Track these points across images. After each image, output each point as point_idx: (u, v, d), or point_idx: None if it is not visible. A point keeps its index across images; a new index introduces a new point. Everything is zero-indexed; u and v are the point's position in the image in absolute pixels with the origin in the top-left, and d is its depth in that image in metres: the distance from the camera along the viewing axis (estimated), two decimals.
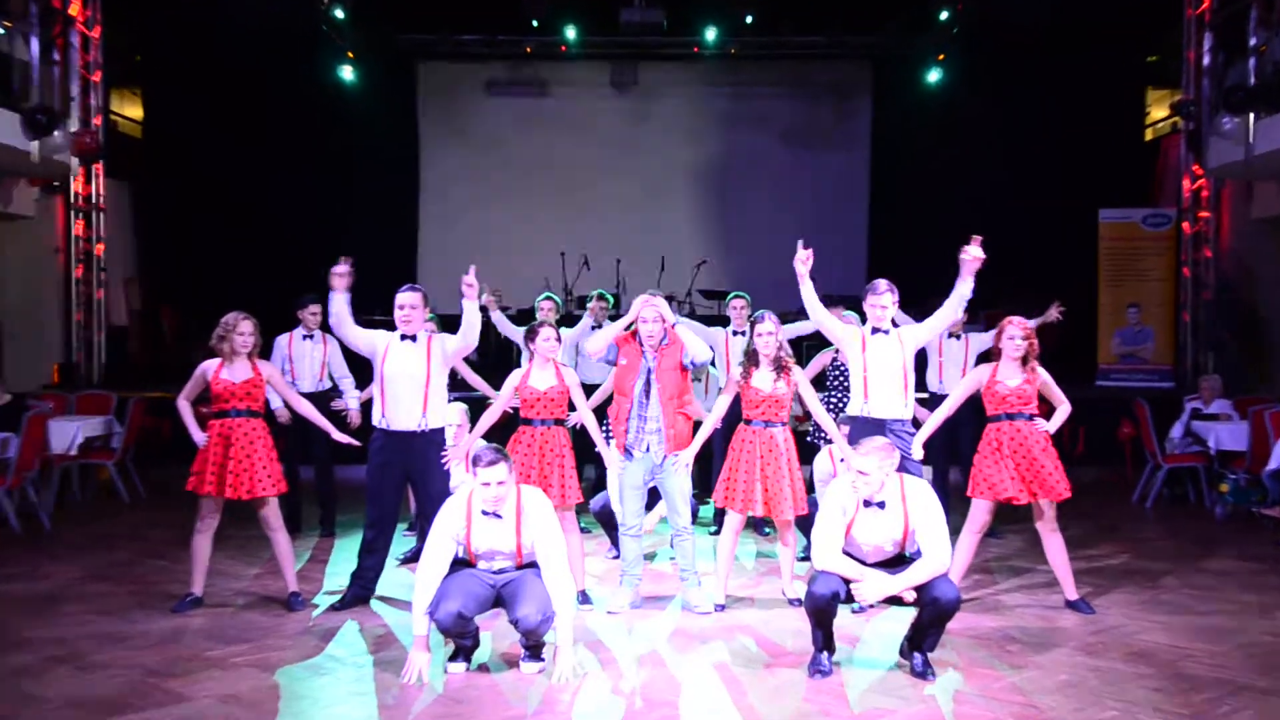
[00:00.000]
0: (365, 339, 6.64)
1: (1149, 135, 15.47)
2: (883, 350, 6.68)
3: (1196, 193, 13.63)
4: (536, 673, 5.34)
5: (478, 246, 16.02)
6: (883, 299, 6.73)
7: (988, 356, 7.19)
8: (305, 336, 8.78)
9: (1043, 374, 6.54)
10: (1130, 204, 14.25)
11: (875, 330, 6.75)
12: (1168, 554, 8.21)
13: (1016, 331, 6.50)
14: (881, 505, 5.27)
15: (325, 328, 8.77)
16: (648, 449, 6.39)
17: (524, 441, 6.57)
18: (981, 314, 14.48)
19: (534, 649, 5.41)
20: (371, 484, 6.62)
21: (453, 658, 5.42)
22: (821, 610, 5.23)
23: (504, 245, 15.96)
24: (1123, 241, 14.00)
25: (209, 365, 6.67)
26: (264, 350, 8.71)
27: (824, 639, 5.34)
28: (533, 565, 5.37)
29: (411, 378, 6.50)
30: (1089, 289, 14.06)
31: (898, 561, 5.38)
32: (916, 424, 6.83)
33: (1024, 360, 6.49)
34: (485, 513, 5.27)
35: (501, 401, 6.74)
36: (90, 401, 11.17)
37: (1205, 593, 7.04)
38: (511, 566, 5.38)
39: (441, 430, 6.61)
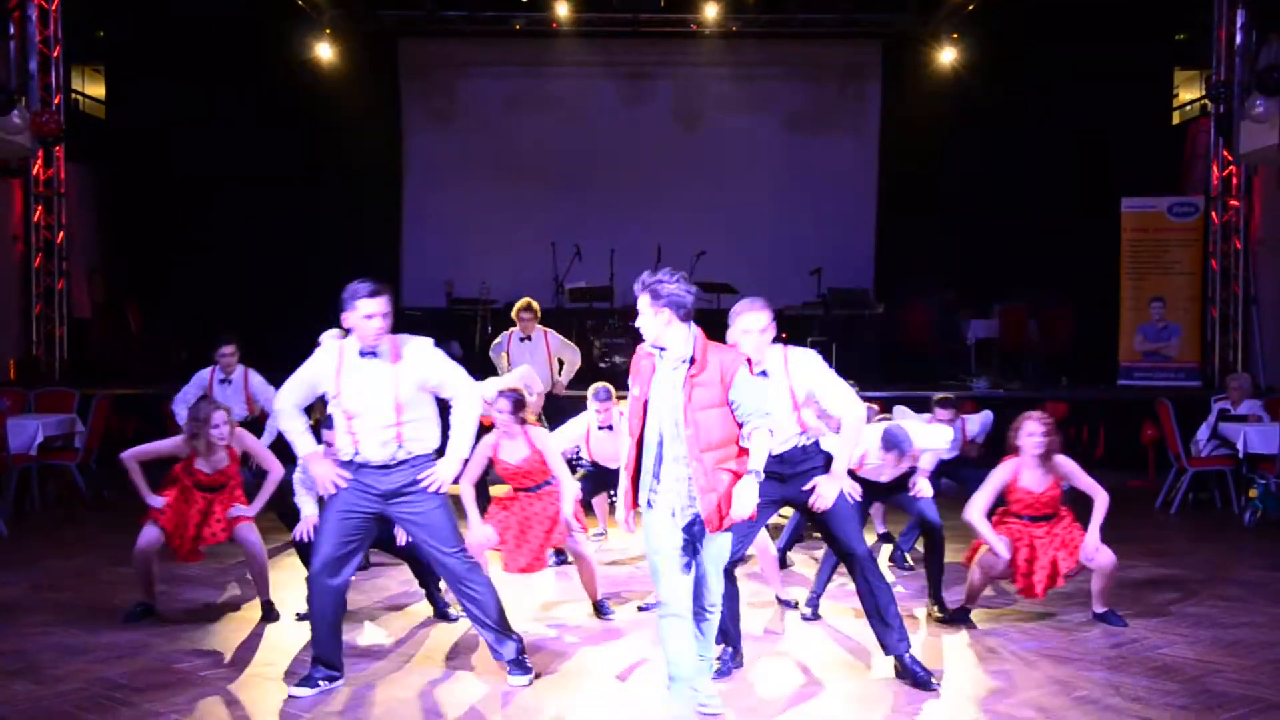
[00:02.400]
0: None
1: (1176, 119, 15.49)
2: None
3: (1226, 180, 13.64)
4: (525, 685, 5.37)
5: (464, 235, 16.09)
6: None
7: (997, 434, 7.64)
8: (222, 381, 8.84)
9: (1066, 466, 6.36)
10: (1155, 192, 14.24)
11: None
12: (1193, 563, 8.22)
13: (1037, 428, 6.29)
14: (764, 374, 5.23)
15: (244, 361, 8.99)
16: (673, 514, 4.83)
17: (509, 502, 6.59)
18: (995, 309, 14.54)
19: (519, 663, 5.43)
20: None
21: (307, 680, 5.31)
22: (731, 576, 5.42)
23: (491, 234, 15.96)
24: (1147, 232, 14.01)
25: (178, 452, 6.60)
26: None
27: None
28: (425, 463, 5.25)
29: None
30: (1110, 282, 14.08)
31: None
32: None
33: (1046, 458, 6.32)
34: (363, 353, 5.13)
35: (468, 479, 6.39)
36: (51, 399, 11.16)
37: (1233, 604, 7.04)
38: (394, 432, 5.16)
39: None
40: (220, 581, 7.47)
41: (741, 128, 16.59)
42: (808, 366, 5.33)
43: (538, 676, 5.47)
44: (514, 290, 15.20)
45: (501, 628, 5.41)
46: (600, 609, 6.70)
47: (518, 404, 6.49)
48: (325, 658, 5.30)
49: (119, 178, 15.44)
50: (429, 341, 5.30)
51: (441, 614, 6.57)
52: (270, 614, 6.56)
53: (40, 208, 13.61)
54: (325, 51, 14.95)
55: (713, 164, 16.38)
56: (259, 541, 6.62)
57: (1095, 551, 6.32)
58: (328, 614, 5.26)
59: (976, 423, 8.90)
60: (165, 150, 15.23)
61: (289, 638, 6.21)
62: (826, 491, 5.26)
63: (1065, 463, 6.38)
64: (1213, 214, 13.76)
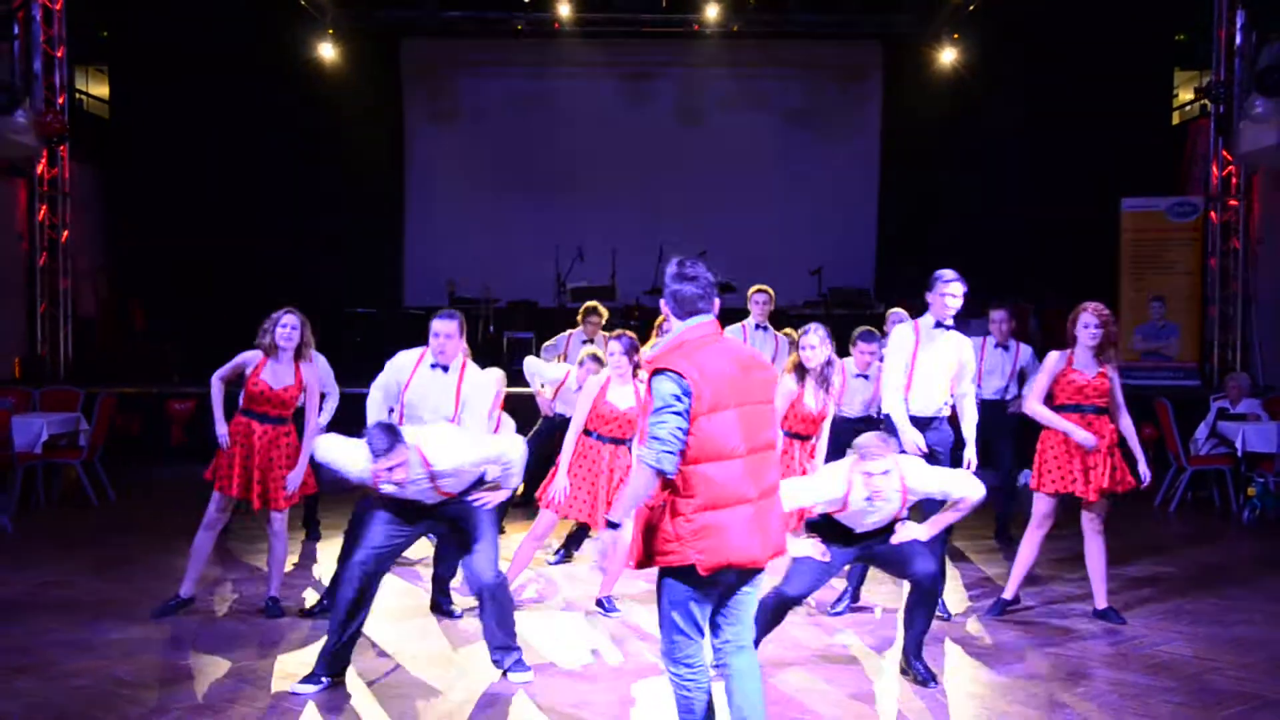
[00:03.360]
0: (389, 384, 6.25)
1: (1176, 119, 15.49)
2: (942, 346, 6.51)
3: (1225, 180, 13.62)
4: (528, 681, 5.41)
5: (466, 234, 16.10)
6: (952, 288, 6.44)
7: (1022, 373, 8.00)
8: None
9: (1114, 372, 6.43)
10: (1155, 192, 14.24)
11: (938, 324, 6.49)
12: (1192, 561, 8.25)
13: (1092, 319, 6.40)
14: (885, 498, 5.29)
15: None
16: None
17: (589, 458, 6.52)
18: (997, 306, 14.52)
19: (518, 664, 5.47)
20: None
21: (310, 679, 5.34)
22: (783, 610, 5.38)
23: (494, 233, 15.97)
24: (1147, 232, 14.01)
25: (251, 358, 6.44)
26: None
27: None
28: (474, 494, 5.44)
29: (436, 410, 6.11)
30: (1110, 282, 14.08)
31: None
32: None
33: (1100, 350, 6.42)
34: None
35: (579, 421, 6.54)
36: (55, 397, 11.18)
37: (1231, 602, 7.07)
38: (437, 492, 5.36)
39: None
40: (224, 579, 7.48)
41: (742, 128, 16.58)
42: (922, 478, 5.33)
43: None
44: (516, 290, 15.29)
45: (511, 639, 5.47)
46: (604, 604, 6.71)
47: (632, 348, 6.46)
48: (337, 653, 5.34)
49: (123, 177, 15.46)
50: (450, 431, 5.54)
51: (445, 612, 6.59)
52: (274, 609, 6.58)
53: (45, 207, 13.60)
54: (328, 51, 14.96)
55: (714, 164, 16.36)
56: (285, 534, 6.62)
57: (1147, 473, 6.41)
58: (354, 607, 5.30)
59: (1026, 354, 8.75)
60: (169, 150, 15.24)
61: (292, 635, 6.22)
62: (910, 535, 5.31)
63: (1113, 369, 6.41)
64: (1212, 214, 13.74)
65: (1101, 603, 6.60)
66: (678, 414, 3.71)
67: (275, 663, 5.73)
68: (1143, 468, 6.44)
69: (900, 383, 6.47)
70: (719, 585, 3.86)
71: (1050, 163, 14.96)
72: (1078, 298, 13.54)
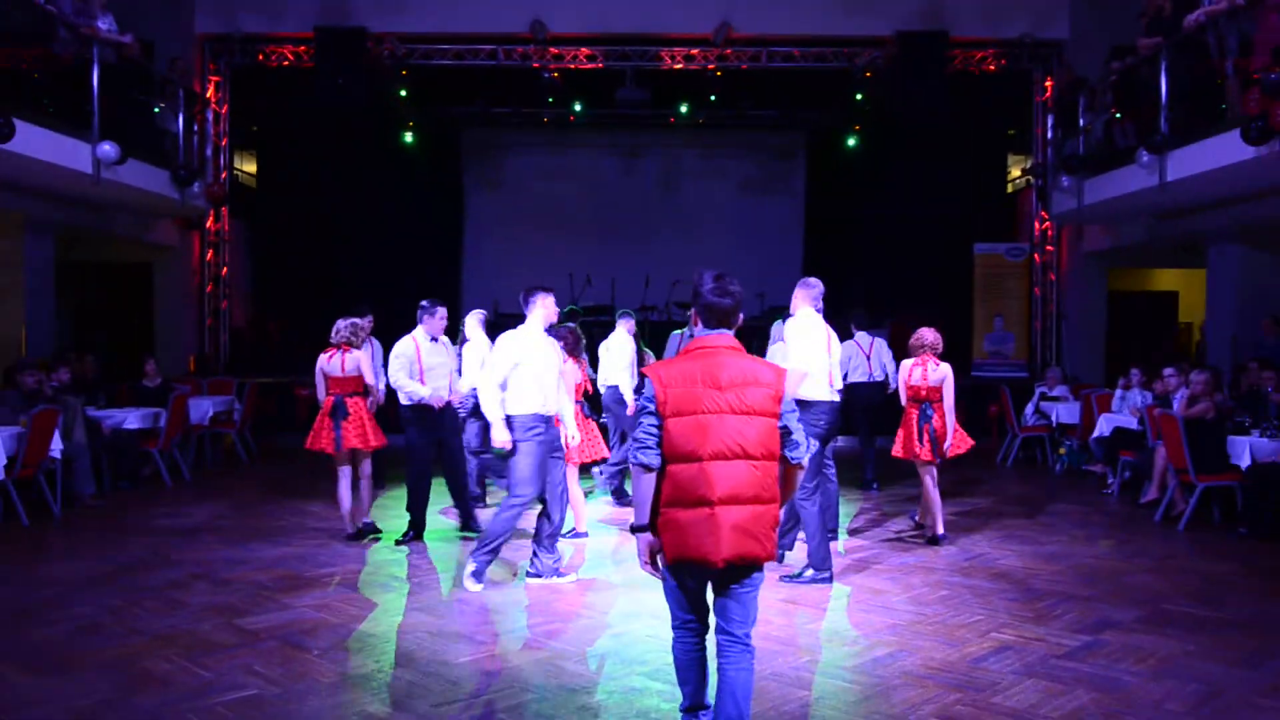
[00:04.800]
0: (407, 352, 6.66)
1: (1010, 189, 15.58)
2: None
3: (1044, 232, 13.73)
4: (571, 583, 5.43)
5: (506, 268, 16.08)
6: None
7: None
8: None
9: (902, 366, 6.63)
10: (996, 240, 14.31)
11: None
12: (1021, 500, 8.34)
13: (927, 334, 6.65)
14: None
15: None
16: None
17: None
18: (887, 322, 14.58)
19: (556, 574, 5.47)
20: (415, 448, 6.56)
21: (477, 574, 5.37)
22: None
23: (526, 267, 15.79)
24: (991, 268, 14.08)
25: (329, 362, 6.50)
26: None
27: None
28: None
29: (443, 365, 6.63)
30: (966, 303, 14.16)
31: None
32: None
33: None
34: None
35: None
36: (218, 385, 11.20)
37: (1047, 528, 7.16)
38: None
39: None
40: (335, 517, 7.51)
41: (706, 190, 16.54)
42: (789, 330, 5.50)
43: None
44: None
45: (548, 553, 5.50)
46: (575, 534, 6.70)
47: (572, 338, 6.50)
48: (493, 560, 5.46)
49: (264, 230, 15.44)
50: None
51: (469, 528, 6.65)
52: (364, 533, 6.55)
53: (211, 251, 13.63)
54: (409, 137, 14.97)
55: (685, 216, 16.32)
56: (369, 473, 6.61)
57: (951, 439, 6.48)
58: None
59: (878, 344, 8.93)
60: (297, 210, 15.22)
61: (384, 556, 6.27)
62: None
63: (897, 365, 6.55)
64: (1036, 256, 13.84)
65: (939, 529, 6.60)
66: (650, 414, 3.00)
67: (372, 576, 5.77)
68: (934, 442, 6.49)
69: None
70: (696, 576, 3.04)
71: (924, 218, 14.99)
72: (944, 314, 13.61)
